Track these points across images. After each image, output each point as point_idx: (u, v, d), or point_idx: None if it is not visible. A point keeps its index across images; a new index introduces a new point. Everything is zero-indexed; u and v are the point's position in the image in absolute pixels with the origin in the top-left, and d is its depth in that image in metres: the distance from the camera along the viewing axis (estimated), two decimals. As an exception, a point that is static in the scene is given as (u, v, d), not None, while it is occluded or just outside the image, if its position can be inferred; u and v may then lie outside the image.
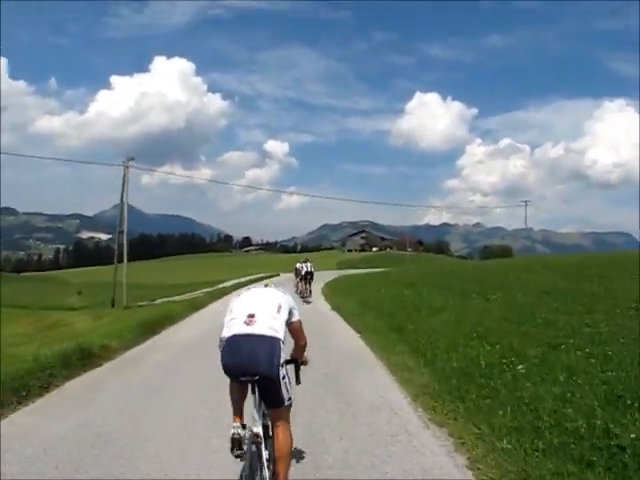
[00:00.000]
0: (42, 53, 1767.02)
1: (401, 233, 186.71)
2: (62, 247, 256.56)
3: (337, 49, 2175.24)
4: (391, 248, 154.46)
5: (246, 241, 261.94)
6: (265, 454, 4.33)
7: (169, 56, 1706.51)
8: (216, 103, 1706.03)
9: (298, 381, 5.09)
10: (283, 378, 4.40)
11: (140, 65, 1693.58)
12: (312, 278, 28.22)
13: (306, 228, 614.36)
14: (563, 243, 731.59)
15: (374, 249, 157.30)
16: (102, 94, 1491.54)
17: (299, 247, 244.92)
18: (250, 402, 4.52)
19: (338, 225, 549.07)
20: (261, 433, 4.36)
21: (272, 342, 4.35)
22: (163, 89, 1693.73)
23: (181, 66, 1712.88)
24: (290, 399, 4.53)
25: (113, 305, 34.75)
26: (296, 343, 5.05)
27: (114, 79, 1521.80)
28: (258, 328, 4.38)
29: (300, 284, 28.33)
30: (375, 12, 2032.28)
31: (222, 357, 4.43)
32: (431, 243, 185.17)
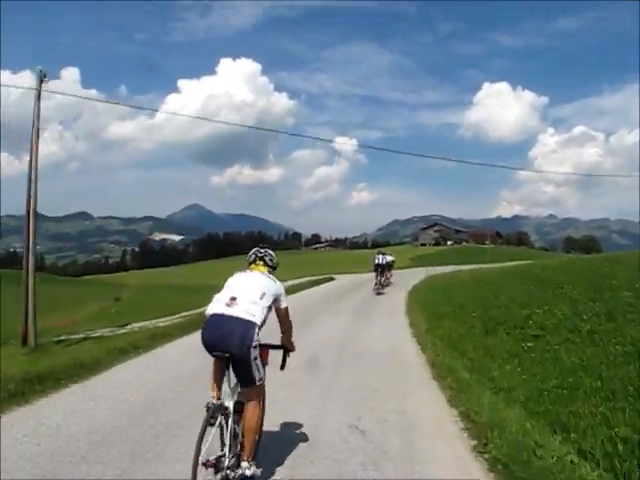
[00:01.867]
0: (112, 61, 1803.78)
1: (474, 226, 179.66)
2: (129, 249, 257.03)
3: (402, 43, 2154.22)
4: (467, 241, 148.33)
5: (315, 238, 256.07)
6: (231, 427, 4.67)
7: (235, 57, 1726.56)
8: (283, 102, 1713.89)
9: (282, 367, 5.53)
10: (255, 359, 4.81)
11: (207, 68, 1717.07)
12: (386, 269, 30.24)
13: (376, 224, 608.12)
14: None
15: (449, 243, 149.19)
16: (171, 98, 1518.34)
17: (369, 243, 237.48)
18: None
19: (408, 220, 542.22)
20: (231, 407, 4.77)
21: (246, 324, 4.74)
22: (230, 90, 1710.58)
23: (247, 67, 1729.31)
24: (261, 379, 4.96)
25: (25, 342, 18.67)
26: (281, 329, 5.51)
27: (182, 83, 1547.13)
28: (236, 310, 4.79)
29: (376, 278, 28.13)
30: (439, 2, 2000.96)
31: (202, 332, 4.85)
32: (510, 235, 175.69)
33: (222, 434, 4.68)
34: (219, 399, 4.77)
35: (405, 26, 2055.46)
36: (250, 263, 5.46)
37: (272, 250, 5.54)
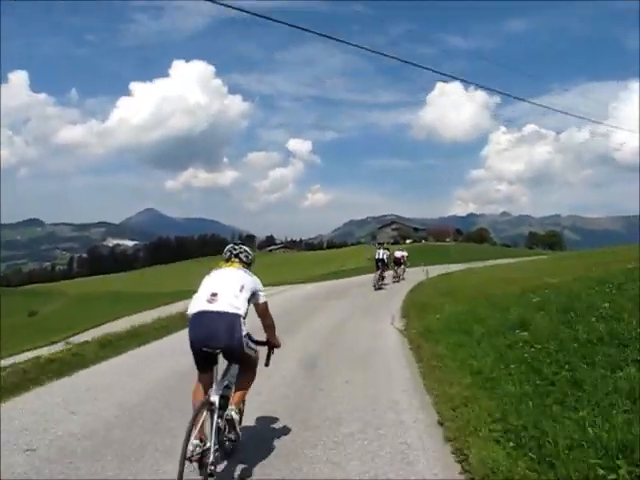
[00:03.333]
0: (62, 65, 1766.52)
1: (431, 225, 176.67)
2: (77, 256, 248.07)
3: (355, 43, 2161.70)
4: (426, 239, 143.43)
5: (269, 240, 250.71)
6: (216, 422, 4.64)
7: (188, 60, 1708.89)
8: (237, 104, 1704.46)
9: (267, 363, 5.53)
10: (247, 345, 4.95)
11: (160, 70, 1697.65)
12: (393, 264, 30.60)
13: (332, 225, 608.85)
14: (593, 229, 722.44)
15: (408, 241, 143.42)
16: (123, 101, 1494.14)
17: (325, 244, 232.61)
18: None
19: (363, 220, 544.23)
20: (217, 402, 4.75)
21: (232, 317, 4.82)
22: (184, 93, 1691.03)
23: (201, 69, 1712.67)
24: (255, 352, 5.19)
25: None
26: (263, 324, 5.51)
27: (134, 85, 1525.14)
28: (219, 305, 4.85)
29: (375, 273, 27.07)
30: (393, 4, 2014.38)
31: (189, 331, 4.90)
32: (471, 232, 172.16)
33: (208, 428, 4.59)
34: (202, 440, 4.49)
35: (358, 27, 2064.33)
36: (226, 260, 5.45)
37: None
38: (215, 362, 4.96)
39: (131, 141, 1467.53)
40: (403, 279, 31.41)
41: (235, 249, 5.50)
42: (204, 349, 4.80)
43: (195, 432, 4.40)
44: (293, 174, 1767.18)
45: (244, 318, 4.92)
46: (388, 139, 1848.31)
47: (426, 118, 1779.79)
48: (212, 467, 4.40)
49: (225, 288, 4.98)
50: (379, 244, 33.03)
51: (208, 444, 4.50)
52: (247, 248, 5.53)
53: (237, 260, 5.41)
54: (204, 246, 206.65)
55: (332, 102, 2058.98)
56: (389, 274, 29.60)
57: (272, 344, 5.55)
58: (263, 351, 5.44)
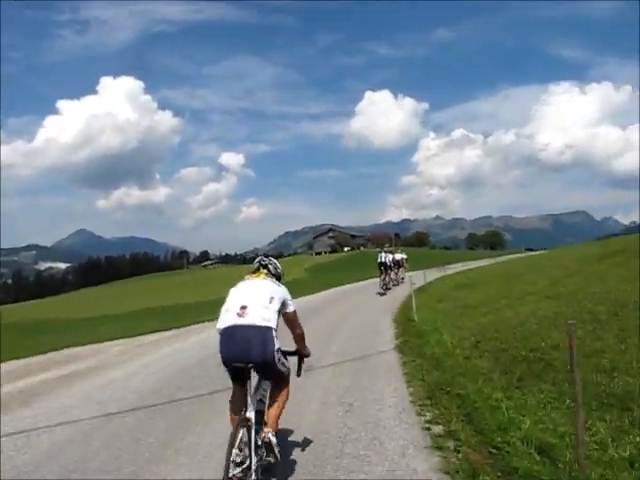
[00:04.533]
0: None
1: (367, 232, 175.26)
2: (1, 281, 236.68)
3: (285, 56, 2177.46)
4: (365, 246, 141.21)
5: (204, 255, 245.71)
6: (254, 439, 4.51)
7: (115, 76, 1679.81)
8: (167, 120, 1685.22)
9: (299, 373, 5.43)
10: (279, 360, 4.82)
11: (87, 87, 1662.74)
12: (394, 267, 30.91)
13: (268, 238, 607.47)
14: (523, 228, 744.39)
15: (346, 249, 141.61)
16: (49, 120, 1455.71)
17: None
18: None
19: (299, 231, 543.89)
20: (253, 418, 4.63)
21: (264, 331, 4.70)
22: (113, 110, 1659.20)
23: (129, 85, 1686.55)
24: (288, 369, 5.06)
25: None
26: (293, 333, 5.36)
27: (61, 104, 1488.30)
28: (250, 319, 4.71)
29: (380, 277, 28.08)
30: (318, 14, 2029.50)
31: (220, 347, 4.79)
32: (409, 236, 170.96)
33: (248, 447, 4.45)
34: (241, 453, 4.38)
35: (286, 39, 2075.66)
36: (253, 272, 5.40)
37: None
38: (248, 377, 4.78)
39: (60, 160, 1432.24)
40: (402, 282, 31.50)
41: (264, 260, 5.48)
42: (235, 364, 4.68)
43: (235, 450, 4.29)
44: (226, 188, 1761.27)
45: (275, 330, 4.82)
46: (320, 149, 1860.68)
47: (356, 127, 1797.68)
48: None
49: (254, 300, 4.86)
50: (383, 249, 32.79)
51: (248, 462, 4.38)
52: (276, 260, 5.54)
53: (265, 271, 5.33)
54: (136, 265, 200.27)
55: (263, 115, 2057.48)
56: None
57: (302, 354, 5.49)
58: (293, 362, 5.30)
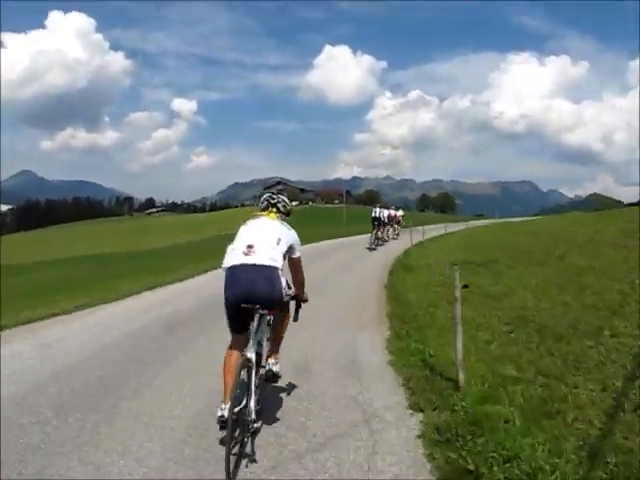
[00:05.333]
0: None
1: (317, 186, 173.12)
2: None
3: (245, 3, 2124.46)
4: (314, 201, 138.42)
5: (149, 202, 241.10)
6: (254, 380, 4.47)
7: (66, 11, 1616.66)
8: (119, 62, 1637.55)
9: (296, 318, 5.47)
10: (285, 295, 4.88)
11: (35, 21, 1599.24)
12: (388, 224, 30.13)
13: (217, 187, 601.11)
14: (473, 193, 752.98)
15: (294, 203, 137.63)
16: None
17: (208, 207, 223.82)
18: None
19: (249, 183, 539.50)
20: (253, 359, 4.54)
21: (270, 270, 4.66)
22: (61, 47, 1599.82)
23: (80, 22, 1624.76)
24: (289, 296, 5.08)
25: None
26: (294, 278, 5.31)
27: (5, 36, 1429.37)
28: (256, 258, 4.66)
29: (372, 232, 27.42)
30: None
31: (225, 286, 4.67)
32: (361, 194, 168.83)
33: (247, 387, 4.41)
34: (231, 410, 4.18)
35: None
36: (262, 210, 5.27)
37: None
38: (252, 319, 4.71)
39: (3, 97, 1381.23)
40: (394, 238, 31.25)
41: (273, 198, 5.31)
42: (243, 305, 4.61)
43: (237, 391, 4.26)
44: (177, 135, 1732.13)
45: (281, 270, 4.78)
46: (275, 101, 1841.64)
47: (313, 81, 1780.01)
48: (255, 424, 4.40)
49: (262, 240, 4.80)
50: (378, 204, 32.39)
51: (249, 402, 4.34)
52: (285, 198, 5.38)
53: (275, 210, 5.24)
54: (78, 210, 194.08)
55: (218, 62, 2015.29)
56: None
57: (301, 299, 5.47)
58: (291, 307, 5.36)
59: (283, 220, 5.15)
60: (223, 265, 4.77)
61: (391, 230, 31.39)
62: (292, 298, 5.27)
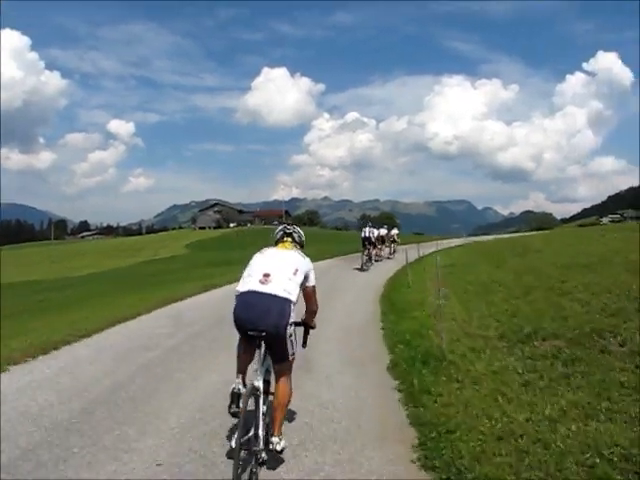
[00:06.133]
0: None
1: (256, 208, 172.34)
2: None
3: (184, 25, 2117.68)
4: (252, 223, 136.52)
5: (83, 226, 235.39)
6: (262, 408, 4.47)
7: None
8: (55, 81, 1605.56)
9: (304, 345, 5.40)
10: (290, 336, 4.67)
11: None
12: (380, 242, 29.64)
13: (154, 210, 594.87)
14: (409, 213, 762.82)
15: (232, 225, 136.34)
16: None
17: (144, 230, 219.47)
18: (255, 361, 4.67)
19: (187, 205, 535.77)
20: (261, 387, 4.50)
21: (283, 303, 4.61)
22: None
23: (15, 40, 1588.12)
24: (293, 354, 4.82)
25: None
26: (307, 307, 5.30)
27: None
28: (272, 288, 4.64)
29: (362, 253, 26.38)
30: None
31: (235, 310, 4.69)
32: (302, 215, 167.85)
33: (248, 417, 4.27)
34: (245, 385, 4.59)
35: (187, 8, 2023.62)
36: (277, 241, 5.38)
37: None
38: (259, 346, 4.63)
39: None
40: (389, 258, 31.15)
41: (288, 229, 5.43)
42: (250, 332, 4.60)
43: (242, 417, 4.17)
44: (114, 157, 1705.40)
45: (294, 304, 4.73)
46: (213, 123, 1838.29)
47: (251, 103, 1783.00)
48: (263, 455, 4.35)
49: (279, 270, 4.81)
50: (367, 223, 30.79)
51: (258, 431, 4.36)
52: (299, 229, 5.49)
53: (290, 240, 5.33)
54: (5, 234, 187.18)
55: (157, 84, 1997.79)
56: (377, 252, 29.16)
57: (310, 326, 5.44)
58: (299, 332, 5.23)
59: (299, 251, 5.21)
60: (237, 288, 4.81)
61: (386, 250, 31.53)
62: (301, 324, 5.25)
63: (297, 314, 4.94)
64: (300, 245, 5.33)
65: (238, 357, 4.85)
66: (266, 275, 4.71)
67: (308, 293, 5.15)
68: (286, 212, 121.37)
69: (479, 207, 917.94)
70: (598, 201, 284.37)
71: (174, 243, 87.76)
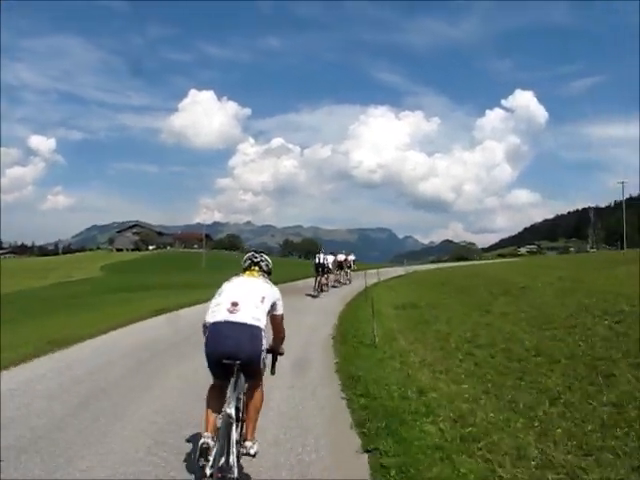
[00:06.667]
0: None
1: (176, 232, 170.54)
2: None
3: (112, 41, 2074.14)
4: (172, 245, 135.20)
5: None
6: (235, 435, 4.57)
7: None
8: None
9: (273, 371, 5.53)
10: (263, 360, 4.90)
11: None
12: (336, 269, 30.17)
13: (73, 230, 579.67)
14: (332, 239, 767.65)
15: (151, 247, 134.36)
16: None
17: (61, 250, 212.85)
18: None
19: (108, 226, 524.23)
20: (233, 414, 4.58)
21: (254, 330, 4.76)
22: None
23: None
24: (265, 366, 5.03)
25: None
26: (275, 335, 5.46)
27: None
28: (240, 316, 4.76)
29: (315, 280, 26.10)
30: (153, 5, 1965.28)
31: (207, 343, 4.80)
32: (222, 239, 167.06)
33: (221, 444, 4.46)
34: (213, 439, 4.52)
35: (115, 23, 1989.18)
36: (245, 269, 5.47)
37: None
38: (232, 374, 4.72)
39: None
40: (346, 284, 30.99)
41: (256, 257, 5.51)
42: (224, 361, 4.64)
43: (209, 435, 4.51)
44: (34, 173, 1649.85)
45: (264, 331, 4.88)
46: (137, 143, 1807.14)
47: (177, 124, 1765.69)
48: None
49: (246, 298, 4.92)
50: (320, 249, 32.27)
51: (231, 459, 4.45)
52: (267, 257, 5.59)
53: (257, 268, 5.43)
54: None
55: (81, 100, 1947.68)
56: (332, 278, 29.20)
57: (278, 352, 5.57)
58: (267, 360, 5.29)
59: (266, 279, 5.33)
60: (207, 319, 4.88)
61: (343, 275, 31.75)
62: (269, 351, 5.32)
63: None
64: (267, 273, 5.44)
65: (208, 406, 4.81)
66: (234, 304, 4.81)
67: (276, 321, 5.30)
68: (207, 235, 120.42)
69: (400, 235, 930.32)
70: (515, 232, 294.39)
71: (90, 265, 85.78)
